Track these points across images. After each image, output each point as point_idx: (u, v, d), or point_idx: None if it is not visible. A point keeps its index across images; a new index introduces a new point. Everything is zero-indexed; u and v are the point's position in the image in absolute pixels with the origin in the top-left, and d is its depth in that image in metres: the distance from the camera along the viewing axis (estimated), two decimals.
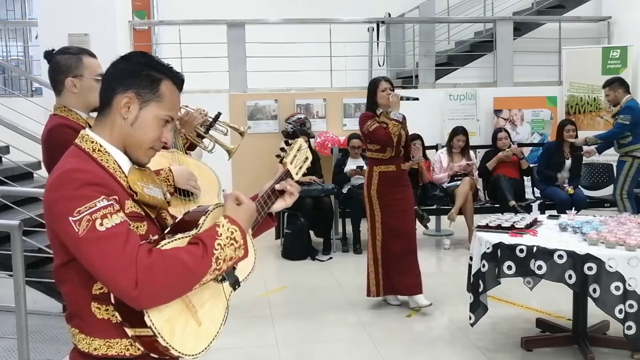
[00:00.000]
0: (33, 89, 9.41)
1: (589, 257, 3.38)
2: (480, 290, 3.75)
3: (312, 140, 7.31)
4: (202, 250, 1.50)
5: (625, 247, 3.42)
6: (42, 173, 5.67)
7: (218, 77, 7.94)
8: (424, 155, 7.04)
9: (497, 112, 8.46)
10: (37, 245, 4.57)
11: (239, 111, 7.94)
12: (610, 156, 7.73)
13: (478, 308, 3.84)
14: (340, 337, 4.42)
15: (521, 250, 3.56)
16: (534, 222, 4.12)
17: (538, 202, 6.90)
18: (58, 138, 2.49)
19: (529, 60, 8.58)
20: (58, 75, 2.60)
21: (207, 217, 1.61)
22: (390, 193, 4.70)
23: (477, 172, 7.13)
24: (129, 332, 1.50)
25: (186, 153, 3.26)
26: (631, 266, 3.32)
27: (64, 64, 2.60)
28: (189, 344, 1.53)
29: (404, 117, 4.83)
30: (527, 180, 7.30)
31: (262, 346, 4.22)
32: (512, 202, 6.51)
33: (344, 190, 6.76)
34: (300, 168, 1.93)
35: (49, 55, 2.65)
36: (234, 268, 1.66)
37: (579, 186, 6.96)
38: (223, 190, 1.66)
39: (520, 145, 7.63)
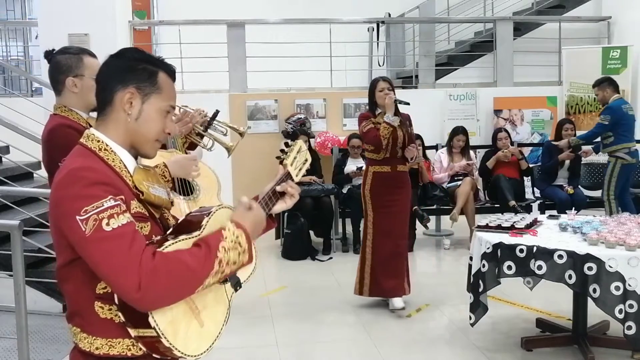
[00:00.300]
0: (33, 89, 9.41)
1: (589, 257, 3.38)
2: (480, 290, 3.75)
3: (312, 140, 7.31)
4: (205, 252, 1.51)
5: (625, 247, 3.42)
6: (42, 173, 5.66)
7: (218, 77, 7.94)
8: (424, 155, 7.04)
9: (497, 112, 8.46)
10: (37, 245, 4.57)
11: (239, 111, 7.95)
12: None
13: (478, 308, 3.84)
14: (340, 337, 4.42)
15: (521, 250, 3.56)
16: (534, 222, 4.12)
17: (538, 202, 6.91)
18: (59, 138, 2.49)
19: (529, 60, 8.58)
20: (58, 75, 2.60)
21: (210, 218, 1.61)
22: (383, 194, 4.70)
23: (478, 172, 7.13)
24: (132, 332, 1.50)
25: (186, 153, 3.26)
26: (631, 266, 3.32)
27: (64, 63, 2.59)
28: (191, 344, 1.53)
29: (408, 118, 4.83)
30: (527, 180, 7.30)
31: (262, 346, 4.22)
32: (512, 202, 6.51)
33: (344, 190, 6.76)
34: (300, 170, 1.94)
35: (49, 55, 2.65)
36: None
37: (579, 186, 6.97)
38: (241, 200, 1.69)
39: (520, 145, 7.64)
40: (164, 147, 2.93)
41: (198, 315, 1.57)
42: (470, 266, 3.95)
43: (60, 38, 6.13)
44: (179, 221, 1.67)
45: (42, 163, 2.73)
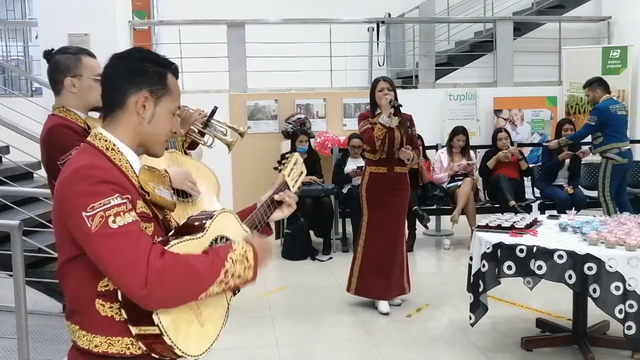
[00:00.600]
0: (33, 89, 9.41)
1: (589, 257, 3.38)
2: (480, 290, 3.75)
3: (312, 140, 7.30)
4: (213, 259, 1.54)
5: (625, 247, 3.42)
6: (42, 173, 5.65)
7: (218, 77, 7.95)
8: (424, 156, 7.04)
9: (497, 112, 8.46)
10: (37, 245, 4.57)
11: (239, 111, 7.94)
12: None
13: (478, 308, 3.84)
14: (340, 337, 4.42)
15: (521, 250, 3.56)
16: (534, 222, 4.12)
17: (538, 202, 6.91)
18: (57, 138, 2.49)
19: (529, 60, 8.58)
20: (57, 75, 2.60)
21: (213, 221, 1.62)
22: (378, 194, 4.70)
23: (477, 172, 7.13)
24: (133, 330, 1.51)
25: (185, 153, 3.26)
26: (631, 266, 3.32)
27: (63, 63, 2.59)
28: (192, 344, 1.54)
29: (410, 118, 4.81)
30: (527, 180, 7.30)
31: (262, 346, 4.22)
32: (512, 202, 6.51)
33: (344, 190, 6.75)
34: (297, 181, 1.99)
35: (48, 55, 2.64)
36: None
37: (579, 186, 6.97)
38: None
39: (520, 145, 7.64)
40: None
41: (199, 316, 1.58)
42: (470, 266, 3.95)
43: (60, 38, 6.13)
44: (180, 224, 1.68)
45: (41, 163, 2.73)
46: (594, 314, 3.88)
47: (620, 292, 3.30)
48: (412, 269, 5.06)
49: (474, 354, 3.96)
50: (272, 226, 2.01)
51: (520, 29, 9.17)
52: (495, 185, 6.81)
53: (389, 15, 9.66)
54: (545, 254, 3.48)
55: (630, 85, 8.14)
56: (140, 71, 1.61)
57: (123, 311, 1.51)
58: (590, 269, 3.37)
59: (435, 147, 7.56)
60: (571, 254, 3.43)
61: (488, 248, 3.71)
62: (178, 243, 1.52)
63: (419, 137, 6.92)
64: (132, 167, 1.61)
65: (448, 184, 6.93)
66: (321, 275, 5.86)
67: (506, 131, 7.30)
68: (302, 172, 2.00)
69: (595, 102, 6.32)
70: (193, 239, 1.56)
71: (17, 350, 3.47)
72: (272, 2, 9.75)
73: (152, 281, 1.42)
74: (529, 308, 4.74)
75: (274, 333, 4.40)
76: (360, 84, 8.86)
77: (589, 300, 3.58)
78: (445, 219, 7.04)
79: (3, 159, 6.08)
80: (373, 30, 9.44)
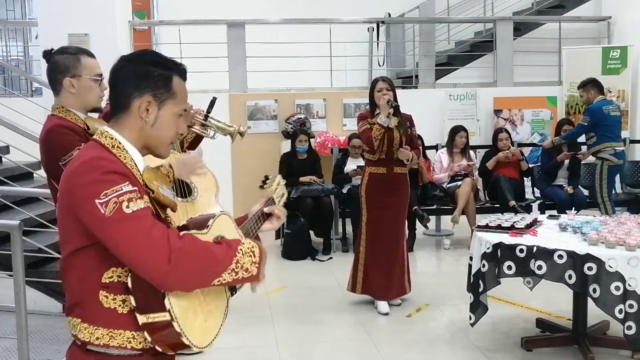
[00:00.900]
0: (33, 89, 9.41)
1: (589, 257, 3.38)
2: (480, 290, 3.74)
3: (312, 140, 7.30)
4: (226, 248, 1.59)
5: (625, 247, 3.42)
6: (42, 173, 5.63)
7: (218, 77, 7.94)
8: (424, 156, 7.04)
9: (497, 112, 8.46)
10: (37, 245, 4.57)
11: (239, 111, 7.94)
12: None
13: (478, 308, 3.84)
14: (340, 337, 4.42)
15: (521, 250, 3.56)
16: (534, 222, 4.12)
17: (538, 202, 6.91)
18: (57, 139, 2.49)
19: (529, 60, 8.58)
20: (56, 75, 2.60)
21: (215, 220, 1.66)
22: (378, 195, 4.69)
23: (477, 172, 7.12)
24: (141, 319, 1.52)
25: (185, 153, 3.26)
26: (631, 266, 3.32)
27: (62, 64, 2.59)
28: (197, 336, 1.56)
29: (410, 118, 4.81)
30: (527, 181, 7.30)
31: (262, 346, 4.22)
32: (512, 202, 6.51)
33: (344, 190, 6.75)
34: (280, 201, 2.08)
35: (47, 54, 2.65)
36: None
37: (579, 186, 6.98)
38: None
39: (520, 145, 7.64)
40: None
41: (205, 308, 1.61)
42: (470, 266, 3.95)
43: (60, 38, 6.13)
44: (182, 224, 1.70)
45: (41, 163, 2.73)
46: (594, 314, 3.88)
47: (620, 292, 3.30)
48: (412, 269, 5.06)
49: (474, 354, 3.96)
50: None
51: (520, 29, 9.17)
52: (495, 185, 6.80)
53: (389, 15, 9.66)
54: (545, 254, 3.48)
55: (630, 85, 8.14)
56: (145, 75, 1.62)
57: (132, 298, 1.52)
58: (590, 269, 3.37)
59: (435, 147, 7.56)
60: (571, 254, 3.43)
61: (488, 248, 3.71)
62: (187, 234, 1.56)
63: (419, 137, 6.93)
64: (136, 166, 1.63)
65: (448, 184, 6.92)
66: (321, 275, 5.86)
67: (507, 131, 7.30)
68: (284, 194, 2.08)
69: (589, 103, 6.38)
70: (199, 233, 1.59)
71: (17, 350, 3.47)
72: (272, 2, 9.74)
73: (175, 258, 1.46)
74: (529, 308, 4.74)
75: (274, 333, 4.40)
76: (360, 84, 8.86)
77: (589, 300, 3.58)
78: (445, 219, 7.04)
79: (3, 159, 6.08)
80: (373, 30, 9.43)
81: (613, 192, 7.32)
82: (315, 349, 4.26)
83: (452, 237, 7.09)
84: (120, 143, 1.62)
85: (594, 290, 3.36)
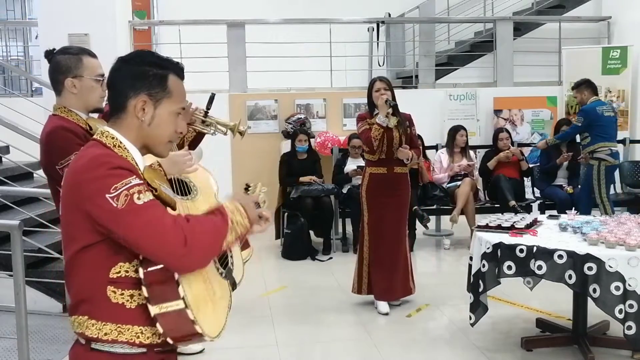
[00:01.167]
0: (33, 89, 9.41)
1: (589, 257, 3.38)
2: (480, 290, 3.74)
3: (312, 140, 7.31)
4: (219, 214, 1.66)
5: (625, 247, 3.42)
6: (42, 173, 5.66)
7: (218, 77, 7.94)
8: (424, 156, 7.04)
9: (497, 112, 8.46)
10: (37, 245, 4.57)
11: (239, 111, 7.94)
12: None
13: (478, 308, 3.83)
14: (340, 337, 4.42)
15: (521, 250, 3.56)
16: (534, 222, 4.12)
17: (538, 202, 6.92)
18: (58, 141, 2.48)
19: (529, 60, 8.58)
20: (58, 75, 2.60)
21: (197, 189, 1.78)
22: (378, 195, 4.69)
23: (477, 172, 7.13)
24: (154, 310, 1.53)
25: None
26: (631, 266, 3.31)
27: (63, 64, 2.59)
28: (208, 325, 1.58)
29: (409, 117, 4.81)
30: (527, 181, 7.30)
31: (262, 346, 4.22)
32: (512, 202, 6.51)
33: (344, 190, 6.75)
34: (263, 207, 2.13)
35: (49, 55, 2.64)
36: (232, 267, 1.79)
37: (579, 186, 6.97)
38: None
39: (520, 145, 7.64)
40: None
41: (213, 297, 1.65)
42: (470, 266, 3.95)
43: (60, 38, 6.12)
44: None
45: (40, 164, 2.73)
46: (594, 314, 3.88)
47: (620, 292, 3.30)
48: (412, 269, 5.06)
49: (474, 354, 3.96)
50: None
51: (520, 29, 9.17)
52: (496, 185, 6.81)
53: (389, 15, 9.66)
54: (545, 254, 3.48)
55: (630, 85, 8.14)
56: (140, 75, 1.65)
57: (144, 289, 1.53)
58: (590, 269, 3.36)
59: (435, 147, 7.56)
60: (571, 254, 3.43)
61: (488, 248, 3.71)
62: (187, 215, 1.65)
63: (419, 137, 6.94)
64: (137, 164, 1.66)
65: (448, 184, 6.92)
66: (321, 275, 5.85)
67: (507, 131, 7.30)
68: (265, 201, 2.10)
69: (583, 104, 6.40)
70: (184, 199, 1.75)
71: (17, 350, 3.47)
72: (272, 2, 9.74)
73: (190, 239, 1.51)
74: (529, 308, 4.74)
75: (274, 333, 4.40)
76: (360, 84, 8.85)
77: (589, 300, 3.58)
78: (445, 219, 7.04)
79: (3, 159, 6.08)
80: (373, 30, 9.43)
81: (614, 191, 7.33)
82: (315, 349, 4.26)
83: (452, 237, 7.09)
84: (121, 142, 1.64)
85: (594, 290, 3.36)
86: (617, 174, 7.39)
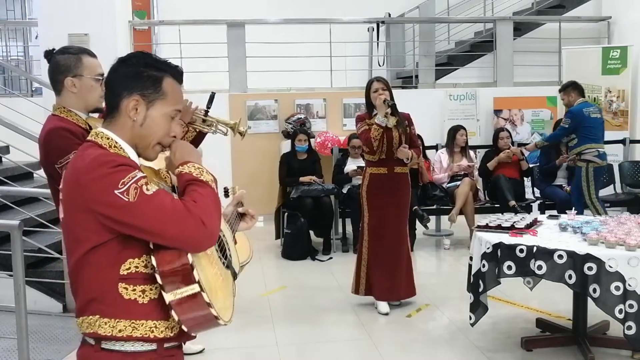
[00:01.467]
0: (33, 89, 9.42)
1: (589, 257, 3.38)
2: (480, 290, 3.74)
3: (312, 140, 7.31)
4: (202, 183, 1.65)
5: (625, 247, 3.42)
6: (42, 173, 5.65)
7: (218, 77, 7.95)
8: (424, 156, 7.04)
9: (497, 112, 8.46)
10: (37, 245, 4.57)
11: (239, 111, 7.94)
12: (610, 156, 7.74)
13: (478, 308, 3.83)
14: (340, 337, 4.42)
15: (521, 250, 3.56)
16: (534, 222, 4.11)
17: (538, 202, 6.91)
18: (57, 141, 2.48)
19: (529, 60, 8.58)
20: (58, 75, 2.60)
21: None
22: (378, 195, 4.68)
23: (477, 172, 7.13)
24: (169, 297, 1.55)
25: None
26: (631, 266, 3.31)
27: (63, 63, 2.59)
28: (221, 309, 1.60)
29: (408, 117, 4.80)
30: (527, 181, 7.30)
31: (262, 346, 4.22)
32: (512, 202, 6.51)
33: (344, 190, 6.75)
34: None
35: (49, 55, 2.64)
36: (231, 258, 1.83)
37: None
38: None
39: (520, 145, 7.64)
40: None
41: (220, 283, 1.68)
42: (470, 266, 3.95)
43: (60, 38, 6.12)
44: None
45: (40, 164, 2.74)
46: (594, 314, 3.88)
47: (620, 292, 3.30)
48: (412, 269, 5.06)
49: (474, 354, 3.96)
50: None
51: (520, 29, 9.17)
52: (496, 185, 6.80)
53: (389, 15, 9.66)
54: (545, 254, 3.48)
55: (630, 85, 8.14)
56: (135, 75, 1.66)
57: (158, 277, 1.55)
58: (590, 269, 3.36)
59: (435, 147, 7.56)
60: (571, 254, 3.43)
61: (488, 248, 3.71)
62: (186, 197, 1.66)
63: (419, 137, 6.93)
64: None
65: (448, 184, 6.92)
66: (321, 275, 5.85)
67: (508, 131, 7.31)
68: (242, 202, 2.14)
69: (570, 106, 6.42)
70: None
71: (17, 350, 3.47)
72: (272, 2, 9.75)
73: (205, 218, 1.55)
74: (529, 308, 4.74)
75: (274, 333, 4.40)
76: (360, 84, 8.82)
77: (589, 300, 3.58)
78: (446, 219, 7.04)
79: (3, 159, 6.08)
80: (373, 30, 9.44)
81: (614, 192, 7.34)
82: (315, 349, 4.26)
83: (452, 237, 7.09)
84: (117, 143, 1.65)
85: (594, 290, 3.36)
86: (617, 174, 7.43)
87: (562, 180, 6.96)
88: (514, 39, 8.88)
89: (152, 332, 1.60)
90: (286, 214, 6.65)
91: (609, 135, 7.87)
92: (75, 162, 1.61)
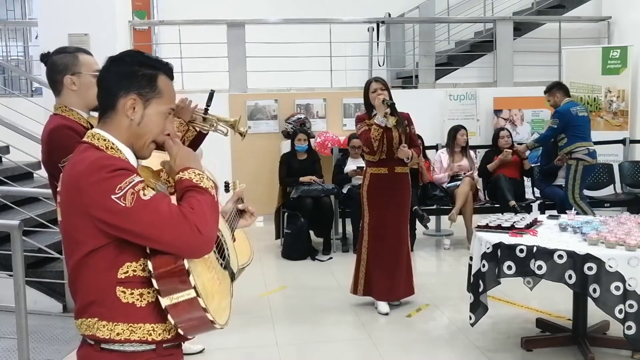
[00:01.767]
0: (33, 89, 9.42)
1: (589, 257, 3.38)
2: (480, 290, 3.74)
3: (312, 140, 7.31)
4: (201, 190, 1.65)
5: (625, 247, 3.42)
6: (42, 173, 5.66)
7: (218, 77, 7.94)
8: (424, 156, 7.04)
9: (497, 112, 8.46)
10: (37, 245, 4.58)
11: (239, 111, 7.94)
12: (610, 156, 7.76)
13: (478, 308, 3.83)
14: (340, 337, 4.42)
15: (521, 250, 3.56)
16: (534, 222, 4.11)
17: (538, 202, 6.90)
18: (60, 140, 2.48)
19: (529, 60, 8.58)
20: (56, 74, 2.60)
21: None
22: (379, 195, 4.68)
23: (477, 172, 7.12)
24: (165, 302, 1.55)
25: None
26: (631, 266, 3.31)
27: (60, 63, 2.59)
28: (217, 313, 1.60)
29: (408, 117, 4.80)
30: (527, 181, 7.30)
31: (262, 346, 4.22)
32: (512, 202, 6.51)
33: (344, 190, 6.75)
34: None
35: (45, 57, 2.64)
36: (229, 258, 1.82)
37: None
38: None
39: (520, 145, 7.64)
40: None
41: (217, 287, 1.67)
42: (470, 266, 3.95)
43: (60, 38, 6.13)
44: None
45: (41, 163, 2.73)
46: (594, 314, 3.87)
47: (620, 292, 3.30)
48: (412, 269, 5.06)
49: (474, 354, 3.96)
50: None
51: (520, 29, 9.17)
52: (496, 185, 6.80)
53: (389, 15, 9.66)
54: (545, 254, 3.48)
55: (630, 85, 8.14)
56: (130, 75, 1.66)
57: (155, 282, 1.55)
58: (590, 269, 3.36)
59: (435, 147, 7.56)
60: (571, 254, 3.43)
61: (488, 248, 3.71)
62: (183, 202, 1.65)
63: (419, 136, 6.93)
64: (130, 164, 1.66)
65: (448, 184, 6.92)
66: (321, 275, 5.85)
67: (508, 131, 7.30)
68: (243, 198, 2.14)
69: (556, 106, 6.43)
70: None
71: (17, 350, 3.47)
72: (272, 2, 9.75)
73: (201, 226, 1.55)
74: (529, 308, 4.74)
75: (274, 333, 4.40)
76: (360, 84, 8.77)
77: (589, 300, 3.58)
78: (446, 219, 7.04)
79: (3, 159, 6.08)
80: (373, 30, 9.44)
81: (614, 192, 7.34)
82: (315, 349, 4.26)
83: (452, 237, 7.09)
84: (113, 144, 1.65)
85: (594, 290, 3.36)
86: (617, 174, 7.43)
87: (562, 180, 6.94)
88: (514, 39, 8.88)
89: (150, 335, 1.60)
90: (286, 214, 6.65)
91: (609, 135, 7.91)
92: (73, 166, 1.61)
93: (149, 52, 1.77)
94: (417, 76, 8.94)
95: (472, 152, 7.28)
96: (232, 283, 1.83)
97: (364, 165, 5.58)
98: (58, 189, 1.67)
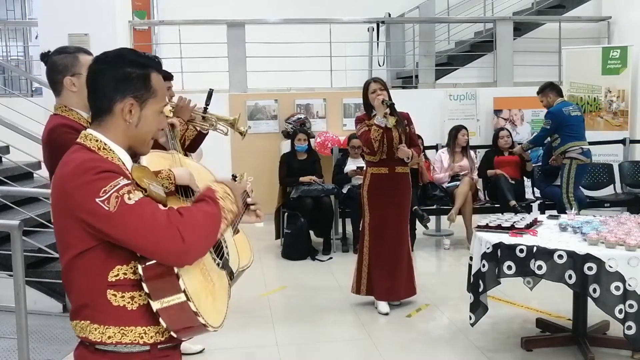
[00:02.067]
0: (33, 89, 9.42)
1: (589, 257, 3.38)
2: (480, 290, 3.74)
3: (312, 140, 7.31)
4: (209, 201, 1.65)
5: (625, 247, 3.42)
6: (42, 173, 5.67)
7: (218, 77, 7.94)
8: (424, 156, 7.03)
9: (497, 112, 8.46)
10: (37, 245, 4.58)
11: (239, 111, 7.91)
12: (610, 156, 7.76)
13: (478, 308, 3.83)
14: (340, 337, 4.42)
15: (521, 250, 3.56)
16: (534, 222, 4.11)
17: (538, 202, 6.90)
18: (60, 138, 2.48)
19: (529, 60, 8.58)
20: (56, 75, 2.60)
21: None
22: (380, 195, 4.68)
23: (477, 173, 7.12)
24: (156, 305, 1.54)
25: (186, 155, 3.26)
26: (631, 266, 3.31)
27: (60, 63, 2.59)
28: (210, 316, 1.59)
29: (407, 116, 4.80)
30: (527, 181, 7.30)
31: (262, 346, 4.22)
32: (513, 202, 6.51)
33: (344, 190, 6.75)
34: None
35: (45, 57, 2.64)
36: (228, 257, 1.81)
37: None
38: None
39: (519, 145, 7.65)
40: (163, 148, 2.93)
41: (212, 289, 1.66)
42: (470, 266, 3.95)
43: (60, 38, 6.13)
44: None
45: (42, 163, 2.74)
46: (594, 314, 3.88)
47: (620, 292, 3.30)
48: (413, 269, 5.06)
49: (474, 354, 3.96)
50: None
51: (520, 29, 9.17)
52: (496, 185, 6.80)
53: (389, 15, 9.66)
54: (545, 254, 3.48)
55: (630, 85, 8.13)
56: (124, 78, 1.64)
57: (145, 286, 1.53)
58: (590, 269, 3.36)
59: (435, 147, 7.56)
60: (571, 254, 3.43)
61: (488, 248, 3.71)
62: (180, 207, 1.64)
63: (419, 136, 6.93)
64: (124, 165, 1.65)
65: (448, 184, 6.92)
66: (321, 275, 5.85)
67: (508, 130, 7.30)
68: (252, 190, 2.12)
69: (549, 107, 6.43)
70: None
71: (17, 350, 3.47)
72: (272, 2, 9.75)
73: (187, 235, 1.51)
74: (529, 308, 4.74)
75: (274, 333, 4.40)
76: (360, 84, 8.72)
77: (589, 300, 3.58)
78: (445, 219, 7.03)
79: (3, 159, 6.08)
80: (373, 30, 9.44)
81: (614, 192, 7.34)
82: (315, 349, 4.26)
83: (452, 237, 7.09)
84: (105, 144, 1.64)
85: (594, 290, 3.36)
86: (617, 174, 7.43)
87: None
88: (514, 39, 8.88)
89: (142, 337, 1.59)
90: (286, 214, 6.65)
91: (609, 135, 7.91)
92: (62, 167, 1.60)
93: (135, 50, 1.75)
94: (417, 76, 8.94)
95: (472, 152, 7.28)
96: (230, 282, 1.82)
97: (364, 165, 5.58)
98: (50, 192, 1.67)
